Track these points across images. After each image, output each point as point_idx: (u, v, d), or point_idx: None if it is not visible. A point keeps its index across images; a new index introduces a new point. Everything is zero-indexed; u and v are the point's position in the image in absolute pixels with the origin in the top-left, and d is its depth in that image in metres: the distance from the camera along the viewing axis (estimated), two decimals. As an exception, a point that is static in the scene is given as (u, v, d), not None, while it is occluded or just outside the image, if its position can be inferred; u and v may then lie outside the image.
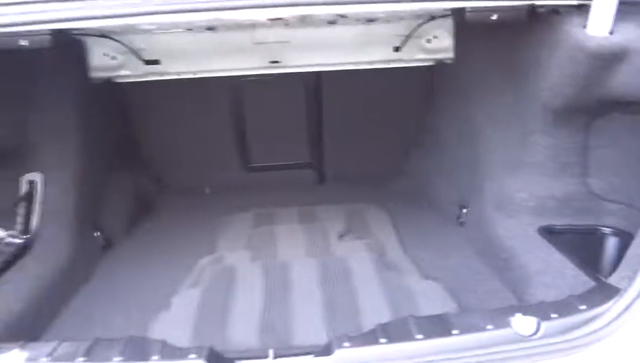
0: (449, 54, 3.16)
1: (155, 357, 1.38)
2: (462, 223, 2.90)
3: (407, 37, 3.20)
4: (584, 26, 1.98)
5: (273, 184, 3.64)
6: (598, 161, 2.38)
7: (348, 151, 3.69)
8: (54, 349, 1.42)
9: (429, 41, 3.23)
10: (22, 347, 1.42)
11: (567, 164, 2.40)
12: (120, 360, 1.36)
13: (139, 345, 1.43)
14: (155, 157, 3.66)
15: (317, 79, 3.50)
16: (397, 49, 3.28)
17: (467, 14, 2.05)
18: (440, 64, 3.32)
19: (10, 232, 2.44)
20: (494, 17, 2.05)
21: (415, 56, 3.32)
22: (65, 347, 1.43)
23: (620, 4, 1.94)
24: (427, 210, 3.24)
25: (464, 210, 2.90)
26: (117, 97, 3.36)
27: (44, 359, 1.38)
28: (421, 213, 3.20)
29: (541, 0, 2.03)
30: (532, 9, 2.04)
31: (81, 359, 1.37)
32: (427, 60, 3.34)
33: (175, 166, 3.70)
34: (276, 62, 3.30)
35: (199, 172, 3.70)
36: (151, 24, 2.52)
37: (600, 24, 1.95)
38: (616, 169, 2.36)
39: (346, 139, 3.66)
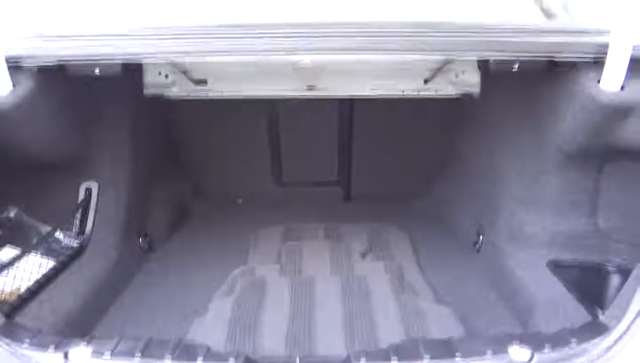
0: (476, 89, 3.29)
1: (200, 359, 1.60)
2: (478, 250, 3.04)
3: (437, 71, 3.37)
4: (598, 80, 2.14)
5: (302, 199, 3.83)
6: (607, 202, 2.52)
7: (374, 172, 3.85)
8: (115, 345, 1.63)
9: (457, 75, 3.35)
10: (88, 343, 1.64)
11: (577, 203, 2.54)
12: (170, 359, 1.58)
13: (186, 348, 1.65)
14: (195, 169, 3.89)
15: (349, 103, 3.67)
16: (426, 81, 3.46)
17: (491, 64, 2.26)
18: (467, 97, 3.48)
19: (68, 233, 2.69)
20: (515, 67, 2.25)
21: (443, 88, 3.44)
22: (124, 344, 1.65)
23: (634, 62, 2.10)
24: (446, 234, 3.37)
25: (481, 237, 3.04)
26: (163, 111, 3.58)
27: (107, 353, 1.60)
28: (440, 237, 3.34)
29: (560, 54, 2.21)
30: (551, 62, 2.22)
31: (138, 355, 1.59)
32: (455, 93, 3.52)
33: (212, 178, 3.90)
34: (312, 86, 3.51)
35: (234, 185, 3.90)
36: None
37: (612, 80, 2.10)
38: (624, 210, 2.50)
39: (373, 161, 3.82)
